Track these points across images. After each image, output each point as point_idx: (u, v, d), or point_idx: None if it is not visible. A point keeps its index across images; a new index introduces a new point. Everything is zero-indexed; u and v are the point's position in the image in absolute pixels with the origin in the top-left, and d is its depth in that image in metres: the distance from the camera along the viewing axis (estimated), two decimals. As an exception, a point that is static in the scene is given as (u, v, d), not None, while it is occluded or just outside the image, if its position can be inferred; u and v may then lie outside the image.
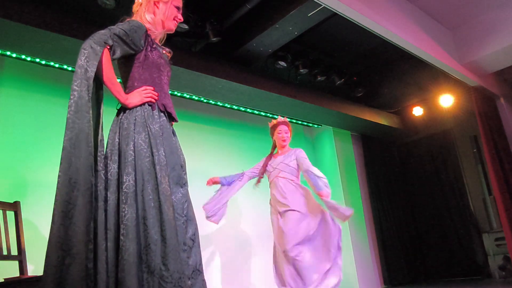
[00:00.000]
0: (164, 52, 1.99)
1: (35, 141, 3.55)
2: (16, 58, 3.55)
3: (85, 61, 1.62)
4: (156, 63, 1.87)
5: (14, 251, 2.60)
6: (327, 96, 5.32)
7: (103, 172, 1.62)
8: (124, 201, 1.55)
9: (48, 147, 3.60)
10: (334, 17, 3.88)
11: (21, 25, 2.96)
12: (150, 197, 1.58)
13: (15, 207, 2.73)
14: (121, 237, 1.50)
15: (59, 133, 3.75)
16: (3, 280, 2.40)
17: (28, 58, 3.57)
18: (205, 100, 4.78)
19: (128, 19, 1.91)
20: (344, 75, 5.23)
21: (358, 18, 3.53)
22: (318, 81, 5.09)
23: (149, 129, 1.70)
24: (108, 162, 1.66)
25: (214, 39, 3.89)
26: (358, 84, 5.55)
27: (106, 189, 1.60)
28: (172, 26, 1.99)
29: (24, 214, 2.75)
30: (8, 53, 3.46)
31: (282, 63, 4.61)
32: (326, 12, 3.66)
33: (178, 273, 1.51)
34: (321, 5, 3.38)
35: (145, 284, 1.48)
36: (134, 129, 1.67)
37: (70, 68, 3.80)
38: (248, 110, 5.16)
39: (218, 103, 4.88)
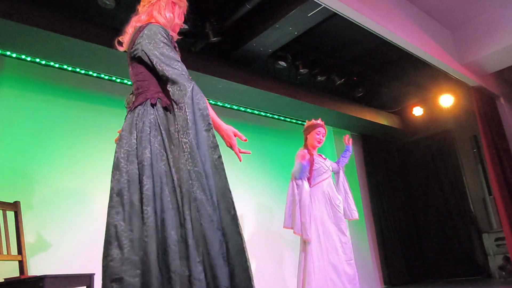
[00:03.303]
0: None
1: (35, 141, 3.55)
2: (16, 58, 3.54)
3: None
4: None
5: (14, 251, 2.60)
6: (327, 96, 5.32)
7: (124, 173, 1.63)
8: (145, 203, 1.56)
9: (48, 147, 3.60)
10: (334, 17, 3.88)
11: (21, 25, 2.96)
12: (168, 199, 1.58)
13: (15, 207, 2.73)
14: (144, 239, 1.52)
15: (59, 133, 3.77)
16: (3, 280, 2.40)
17: (28, 58, 3.56)
18: (205, 100, 4.77)
19: (135, 17, 1.88)
20: (344, 75, 5.23)
21: (358, 18, 3.53)
22: (318, 81, 5.09)
23: (164, 132, 1.68)
24: (126, 163, 1.65)
25: (214, 39, 3.89)
26: (358, 84, 5.55)
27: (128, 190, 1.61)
28: (177, 31, 1.99)
29: (24, 214, 2.75)
30: (8, 53, 3.46)
31: (282, 63, 4.61)
32: (326, 12, 3.66)
33: (198, 271, 1.50)
34: (321, 5, 3.38)
35: (165, 284, 1.48)
36: (150, 132, 1.66)
37: (70, 68, 3.81)
38: (248, 110, 5.16)
39: (218, 103, 4.88)
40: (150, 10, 1.88)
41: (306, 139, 3.78)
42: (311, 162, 3.60)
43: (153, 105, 1.71)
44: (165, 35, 1.75)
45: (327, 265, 3.35)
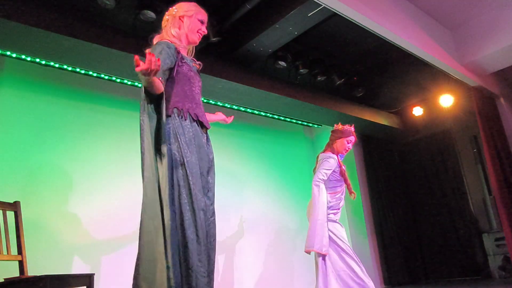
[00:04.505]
0: (193, 64, 2.13)
1: (35, 141, 3.55)
2: (16, 58, 3.55)
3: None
4: (187, 76, 2.00)
5: (14, 251, 2.60)
6: (327, 96, 5.32)
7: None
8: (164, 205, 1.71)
9: (48, 147, 3.60)
10: (334, 17, 3.88)
11: (21, 25, 2.96)
12: (185, 201, 1.76)
13: (15, 207, 2.73)
14: (166, 239, 1.65)
15: (58, 133, 3.77)
16: (3, 280, 2.40)
17: (28, 58, 3.57)
18: (205, 100, 4.78)
19: (156, 36, 2.07)
20: (344, 75, 5.23)
21: (358, 18, 3.53)
22: (318, 81, 5.09)
23: (180, 139, 1.85)
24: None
25: (214, 39, 3.89)
26: (358, 84, 5.55)
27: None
28: (195, 39, 2.13)
29: (24, 214, 2.76)
30: (8, 53, 3.46)
31: (282, 63, 4.61)
32: (326, 12, 3.66)
33: (211, 266, 1.75)
34: (321, 5, 3.38)
35: (184, 278, 1.65)
36: (169, 141, 1.83)
37: (70, 68, 3.81)
38: (248, 110, 5.16)
39: (218, 103, 4.88)
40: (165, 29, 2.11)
41: (333, 142, 3.54)
42: (343, 173, 3.48)
43: (168, 116, 1.88)
44: (160, 49, 1.89)
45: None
